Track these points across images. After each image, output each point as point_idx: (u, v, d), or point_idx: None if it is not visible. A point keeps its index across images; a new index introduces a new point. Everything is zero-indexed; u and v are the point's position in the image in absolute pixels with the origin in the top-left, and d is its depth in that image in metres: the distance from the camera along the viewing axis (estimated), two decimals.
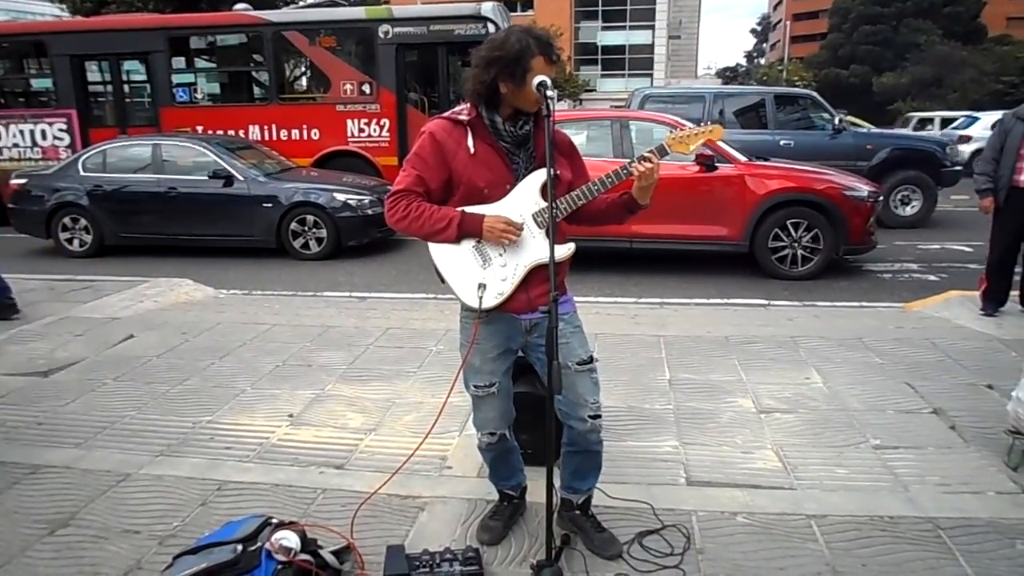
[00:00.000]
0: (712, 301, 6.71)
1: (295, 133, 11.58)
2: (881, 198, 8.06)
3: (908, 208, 10.84)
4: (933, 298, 6.46)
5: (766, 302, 6.62)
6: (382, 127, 11.31)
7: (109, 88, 12.73)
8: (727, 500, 3.07)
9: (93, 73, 12.74)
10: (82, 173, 9.42)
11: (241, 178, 9.04)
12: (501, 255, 2.44)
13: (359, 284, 7.69)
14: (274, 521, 2.65)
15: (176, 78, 12.26)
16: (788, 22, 67.81)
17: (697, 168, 7.41)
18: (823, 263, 7.52)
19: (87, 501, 3.14)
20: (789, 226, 7.47)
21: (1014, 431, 3.32)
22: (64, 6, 24.14)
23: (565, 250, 2.42)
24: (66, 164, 9.78)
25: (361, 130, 11.40)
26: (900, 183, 10.73)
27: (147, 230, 9.39)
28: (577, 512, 2.79)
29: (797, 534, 2.81)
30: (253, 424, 3.95)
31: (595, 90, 57.75)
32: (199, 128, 11.63)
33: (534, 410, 2.89)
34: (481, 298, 2.43)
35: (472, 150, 2.39)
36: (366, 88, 11.37)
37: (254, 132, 11.64)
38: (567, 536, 2.75)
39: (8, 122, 12.22)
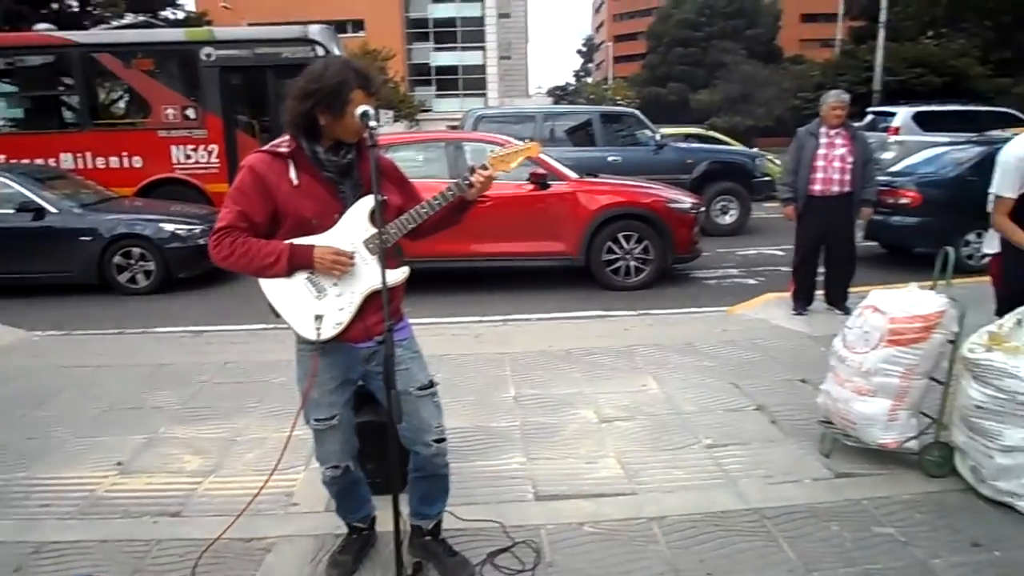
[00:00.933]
0: (553, 315, 6.89)
1: (114, 161, 10.87)
2: (703, 209, 8.61)
3: (727, 217, 11.65)
4: (752, 301, 6.97)
5: (604, 313, 6.88)
6: (210, 153, 10.85)
7: None
8: (573, 511, 3.17)
9: None
10: None
11: (54, 210, 8.36)
12: (336, 285, 2.41)
13: (194, 318, 7.29)
14: None
15: None
16: (610, 44, 71.19)
17: (531, 186, 7.62)
18: (655, 273, 7.92)
19: None
20: (621, 239, 7.82)
21: (825, 421, 3.64)
22: None
23: (399, 275, 2.43)
24: None
25: (188, 156, 10.89)
26: (719, 194, 11.53)
27: None
28: (428, 538, 2.78)
29: (640, 538, 2.94)
30: (76, 476, 3.66)
31: (431, 110, 58.19)
32: (1, 157, 10.67)
33: (379, 439, 2.84)
34: (319, 330, 2.39)
35: (295, 182, 2.36)
36: (190, 113, 10.88)
37: (67, 161, 10.82)
38: (419, 564, 2.74)
39: None
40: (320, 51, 10.39)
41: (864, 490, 3.26)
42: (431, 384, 2.59)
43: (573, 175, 7.97)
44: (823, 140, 6.00)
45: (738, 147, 14.78)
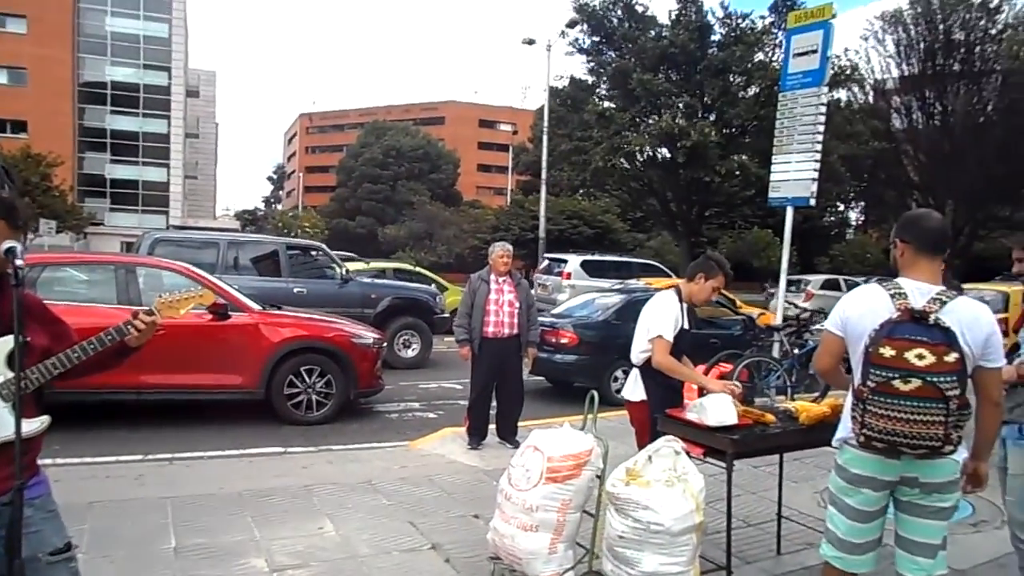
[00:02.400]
0: (227, 453, 6.49)
1: None
2: (385, 344, 8.80)
3: (410, 351, 12.01)
4: (432, 435, 7.17)
5: (282, 450, 6.64)
6: None
7: None
8: None
9: None
10: None
11: None
12: None
13: None
14: None
15: None
16: (301, 174, 72.08)
17: (210, 316, 7.26)
18: (337, 407, 7.82)
19: None
20: (303, 372, 7.67)
21: (494, 557, 3.79)
22: None
23: (36, 425, 2.18)
24: None
25: None
26: (401, 328, 11.89)
27: None
28: None
29: None
30: None
31: (103, 224, 53.63)
32: None
33: None
34: None
35: None
36: None
37: None
38: None
39: None
40: None
41: None
42: (68, 547, 2.29)
43: (255, 306, 7.76)
44: (493, 286, 6.57)
45: (432, 285, 15.38)
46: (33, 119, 50.18)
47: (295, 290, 11.01)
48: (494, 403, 6.83)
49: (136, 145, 58.23)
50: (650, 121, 28.17)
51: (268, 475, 5.70)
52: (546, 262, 20.89)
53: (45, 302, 2.43)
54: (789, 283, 26.94)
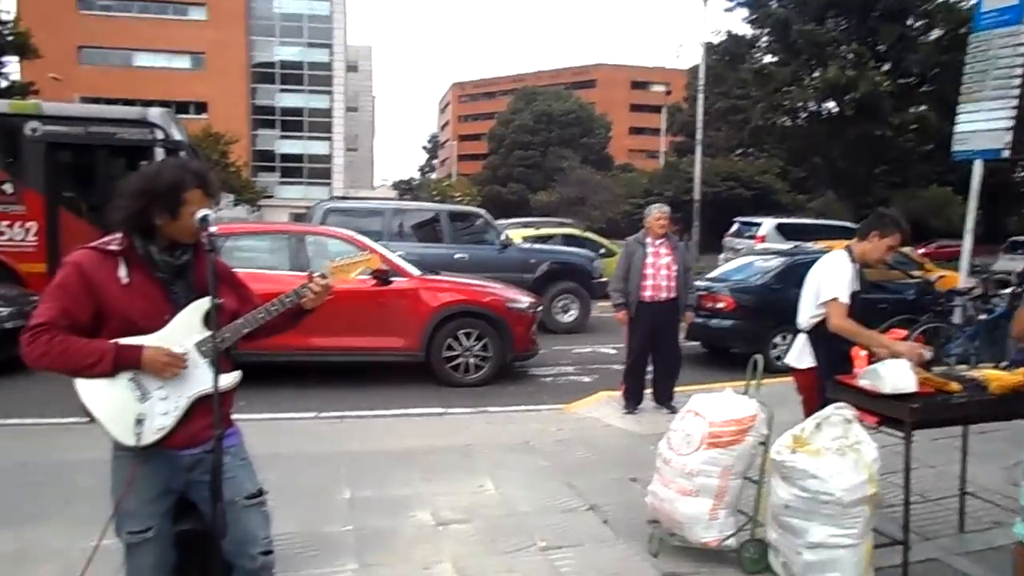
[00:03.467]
0: (392, 412, 6.81)
1: None
2: (540, 308, 8.89)
3: (567, 315, 12.07)
4: (587, 399, 7.21)
5: (443, 410, 6.88)
6: (27, 230, 10.04)
7: None
8: None
9: None
10: None
11: None
12: (161, 388, 2.30)
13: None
14: None
15: None
16: (455, 142, 73.61)
17: (373, 282, 7.60)
18: (494, 369, 8.02)
19: None
20: (461, 336, 7.91)
21: (653, 521, 3.78)
22: None
23: (231, 379, 2.37)
24: None
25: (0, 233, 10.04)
26: (560, 293, 11.97)
27: None
28: None
29: None
30: None
31: (273, 196, 57.32)
32: None
33: (200, 549, 2.66)
34: (139, 435, 2.26)
35: (126, 281, 2.27)
36: (7, 187, 10.09)
37: None
38: None
39: None
40: (159, 134, 10.06)
41: None
42: (260, 492, 2.49)
43: (416, 271, 8.05)
44: (650, 250, 6.45)
45: (601, 250, 15.20)
46: (212, 100, 54.14)
47: (456, 256, 11.30)
48: (650, 367, 6.76)
49: (301, 120, 61.58)
50: (815, 75, 26.42)
51: (431, 434, 5.95)
52: (736, 225, 20.27)
53: None
54: (1015, 245, 24.70)
